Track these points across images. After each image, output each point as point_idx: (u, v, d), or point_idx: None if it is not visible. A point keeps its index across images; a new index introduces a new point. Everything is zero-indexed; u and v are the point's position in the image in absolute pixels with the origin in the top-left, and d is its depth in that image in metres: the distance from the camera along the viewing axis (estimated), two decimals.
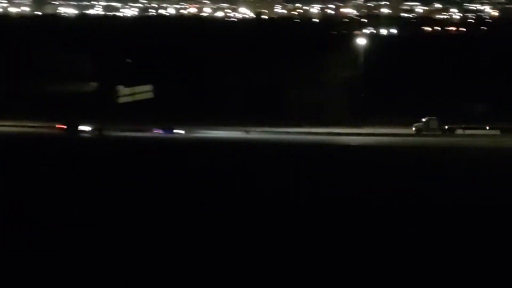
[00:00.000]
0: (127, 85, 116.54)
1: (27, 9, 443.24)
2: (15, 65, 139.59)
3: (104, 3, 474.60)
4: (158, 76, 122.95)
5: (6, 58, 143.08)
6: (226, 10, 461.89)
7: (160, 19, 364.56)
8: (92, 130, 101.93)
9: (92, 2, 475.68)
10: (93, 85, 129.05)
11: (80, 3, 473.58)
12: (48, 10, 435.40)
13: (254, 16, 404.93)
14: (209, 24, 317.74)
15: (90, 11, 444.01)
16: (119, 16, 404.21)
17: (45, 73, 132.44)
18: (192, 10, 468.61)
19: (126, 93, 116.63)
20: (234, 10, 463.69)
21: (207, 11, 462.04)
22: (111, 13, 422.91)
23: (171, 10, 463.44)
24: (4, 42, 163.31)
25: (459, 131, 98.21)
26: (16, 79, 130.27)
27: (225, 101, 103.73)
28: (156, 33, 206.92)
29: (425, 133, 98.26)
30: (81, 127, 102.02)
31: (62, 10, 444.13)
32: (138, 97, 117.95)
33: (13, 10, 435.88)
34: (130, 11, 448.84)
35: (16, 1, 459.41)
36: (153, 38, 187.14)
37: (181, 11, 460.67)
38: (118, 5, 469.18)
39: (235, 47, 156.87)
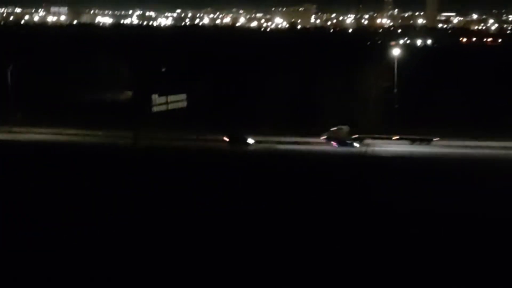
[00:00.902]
0: (162, 94, 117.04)
1: (64, 18, 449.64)
2: (52, 73, 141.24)
3: (139, 13, 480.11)
4: (192, 85, 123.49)
5: (43, 66, 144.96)
6: (260, 21, 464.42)
7: (195, 29, 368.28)
8: (255, 143, 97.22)
9: (129, 12, 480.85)
10: (128, 93, 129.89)
11: (116, 12, 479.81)
12: (85, 19, 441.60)
13: (289, 26, 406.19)
14: (244, 33, 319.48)
15: (126, 21, 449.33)
16: (154, 26, 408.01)
17: (81, 82, 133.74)
18: (227, 20, 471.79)
19: (160, 102, 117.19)
20: (268, 20, 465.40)
21: (241, 21, 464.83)
22: (146, 23, 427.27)
23: (206, 20, 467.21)
24: (41, 50, 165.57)
25: (368, 141, 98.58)
26: (53, 87, 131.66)
27: (260, 109, 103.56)
28: (191, 42, 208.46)
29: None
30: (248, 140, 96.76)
31: (99, 19, 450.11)
32: (172, 106, 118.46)
33: (50, 19, 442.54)
34: (165, 21, 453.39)
35: (53, 11, 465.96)
36: (188, 47, 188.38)
37: (217, 21, 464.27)
38: (153, 14, 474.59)
39: (269, 56, 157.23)
